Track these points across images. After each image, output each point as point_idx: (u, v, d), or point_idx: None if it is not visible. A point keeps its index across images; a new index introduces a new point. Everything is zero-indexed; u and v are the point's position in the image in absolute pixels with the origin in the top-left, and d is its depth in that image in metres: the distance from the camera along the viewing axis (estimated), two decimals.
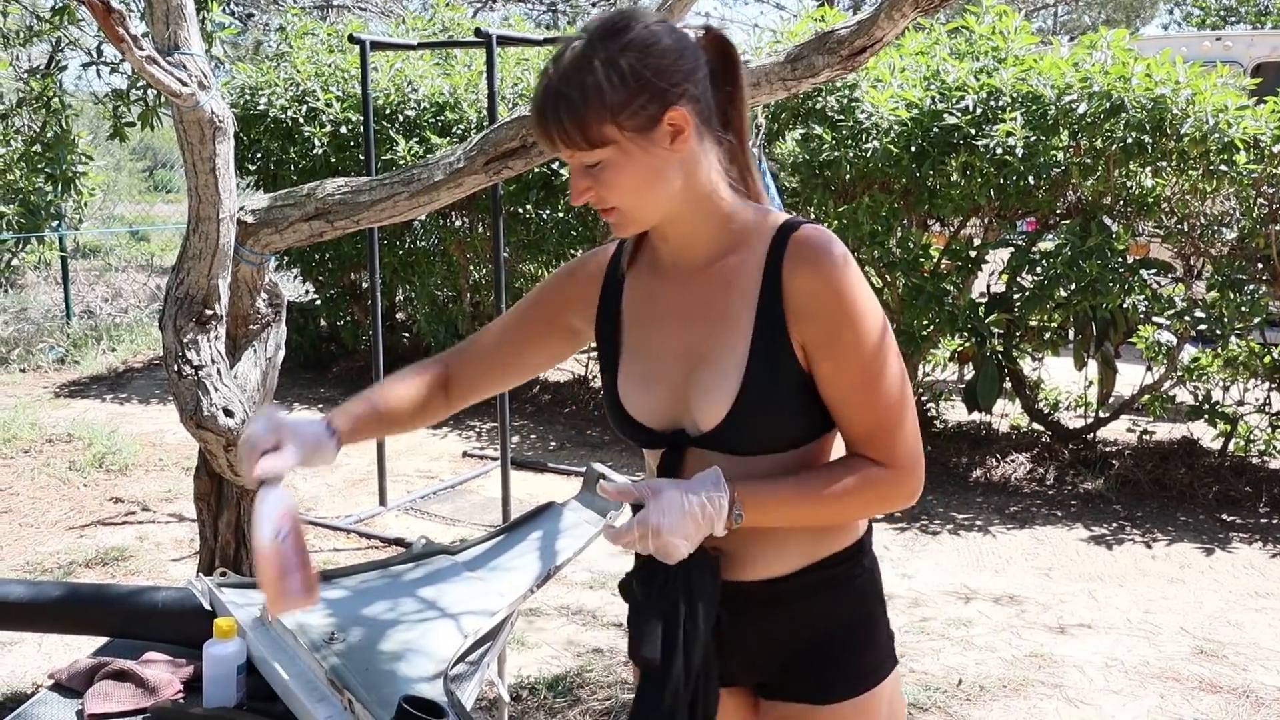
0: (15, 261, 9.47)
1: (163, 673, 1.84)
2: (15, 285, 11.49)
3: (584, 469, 2.54)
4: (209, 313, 2.86)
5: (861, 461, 1.47)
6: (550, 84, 1.41)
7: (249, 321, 3.25)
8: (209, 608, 2.01)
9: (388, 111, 7.34)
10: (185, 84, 2.61)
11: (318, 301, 8.62)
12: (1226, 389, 5.60)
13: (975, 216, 6.01)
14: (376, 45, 5.51)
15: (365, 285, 8.03)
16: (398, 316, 8.65)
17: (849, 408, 1.46)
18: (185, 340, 2.84)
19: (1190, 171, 5.33)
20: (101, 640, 2.02)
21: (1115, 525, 5.09)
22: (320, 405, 7.58)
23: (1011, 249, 5.88)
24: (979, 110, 5.52)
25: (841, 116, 5.90)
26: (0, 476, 5.75)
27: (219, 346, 2.92)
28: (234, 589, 2.07)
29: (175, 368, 2.83)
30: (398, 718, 1.55)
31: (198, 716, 1.73)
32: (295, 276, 8.95)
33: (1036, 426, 6.19)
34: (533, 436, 6.77)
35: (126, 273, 13.28)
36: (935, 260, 5.93)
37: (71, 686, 1.84)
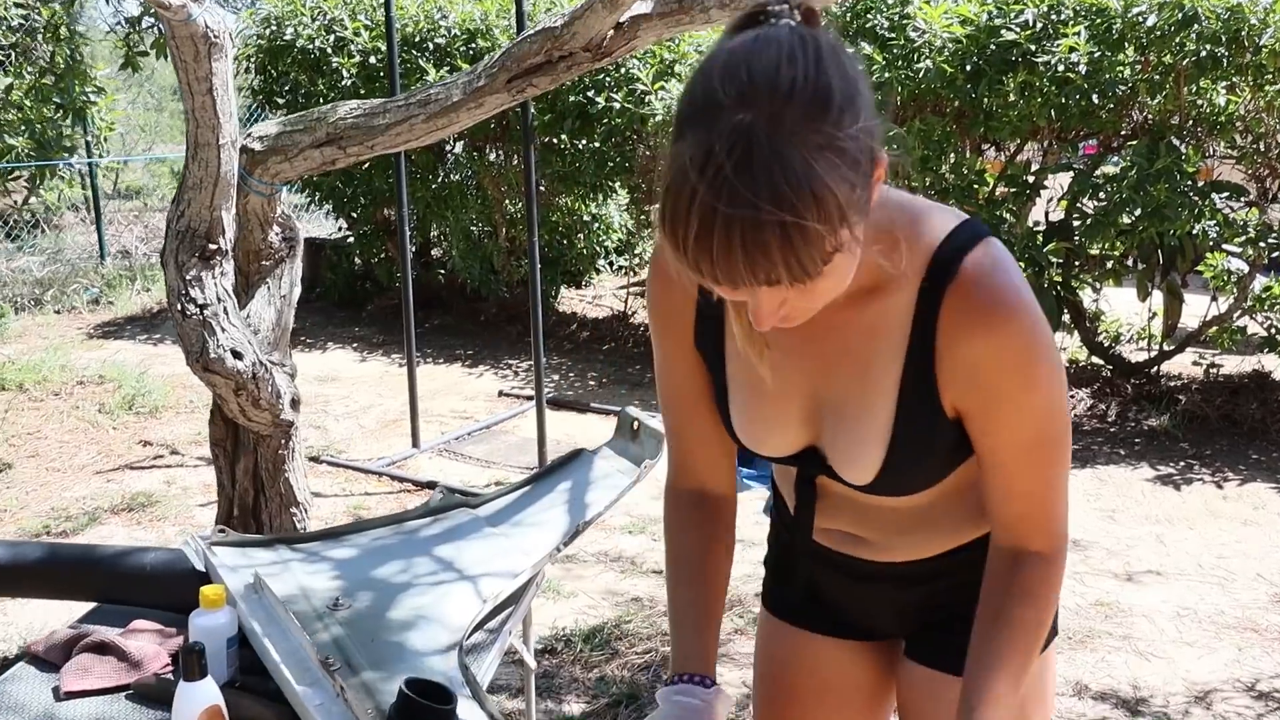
0: (33, 200, 9.31)
1: (148, 644, 1.67)
2: (53, 226, 11.40)
3: (618, 411, 2.33)
4: (213, 247, 2.66)
5: (1021, 572, 1.23)
6: (744, 210, 0.94)
7: (261, 257, 3.04)
8: (202, 569, 1.83)
9: (417, 39, 7.08)
10: None
11: (351, 239, 8.44)
12: None
13: (1033, 139, 5.69)
14: None
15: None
16: (432, 253, 8.45)
17: (1004, 482, 1.22)
18: (188, 277, 2.64)
19: (1268, 87, 4.98)
20: (88, 606, 1.84)
21: (1183, 464, 4.83)
22: (354, 344, 7.43)
23: (1072, 173, 5.56)
24: (1039, 25, 5.19)
25: (892, 35, 5.58)
26: (29, 419, 5.64)
27: (225, 284, 2.72)
28: (232, 548, 1.88)
29: (179, 307, 2.64)
30: (399, 705, 1.36)
31: None
32: (328, 213, 8.77)
33: (1097, 360, 5.90)
34: (571, 375, 6.57)
35: (165, 213, 13.18)
36: (991, 187, 5.62)
37: (49, 659, 1.67)
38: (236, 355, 2.71)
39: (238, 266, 3.05)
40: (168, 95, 22.61)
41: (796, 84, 0.97)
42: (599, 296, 8.50)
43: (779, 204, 0.94)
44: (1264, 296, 5.30)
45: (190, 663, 1.37)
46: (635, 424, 2.21)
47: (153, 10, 4.72)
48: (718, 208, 0.94)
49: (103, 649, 1.64)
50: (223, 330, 2.69)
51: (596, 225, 7.99)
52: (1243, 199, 5.33)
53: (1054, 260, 5.49)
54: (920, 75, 5.37)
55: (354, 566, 1.85)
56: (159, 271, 9.61)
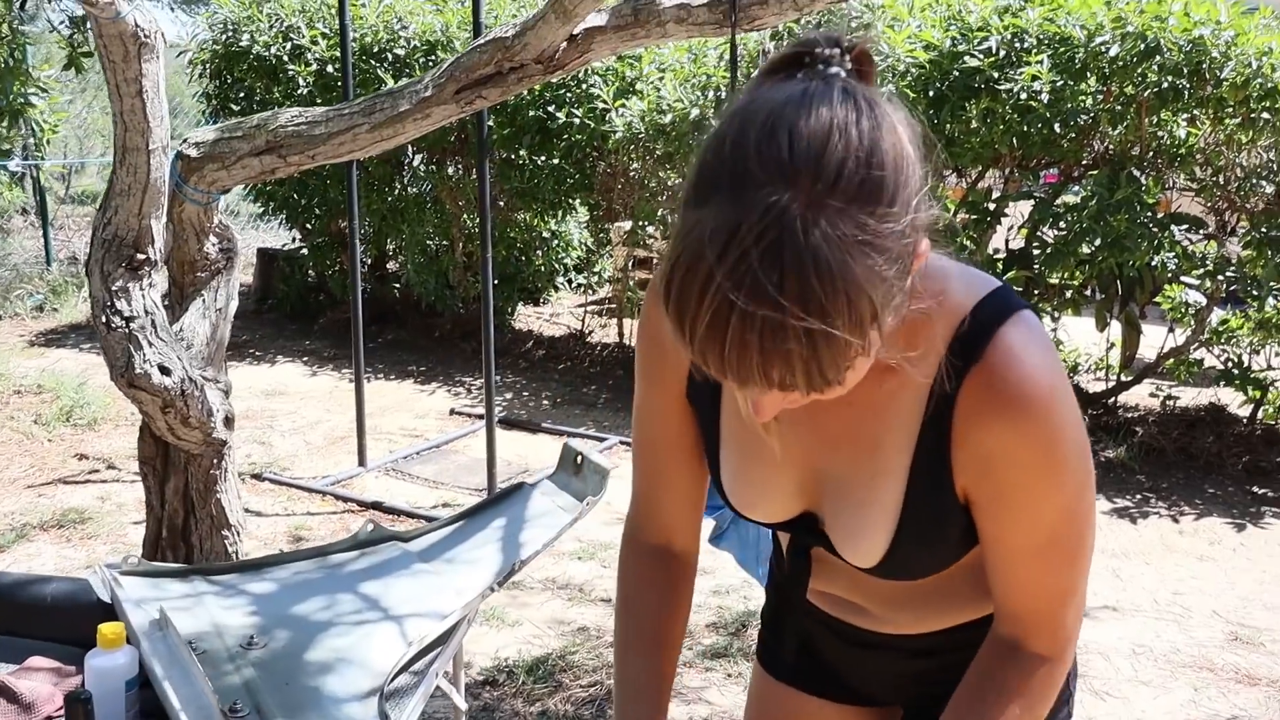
0: None
1: (43, 685, 1.54)
2: (1, 230, 11.16)
3: (573, 431, 2.23)
4: (141, 257, 2.54)
5: (1013, 669, 1.12)
6: (766, 310, 0.82)
7: (196, 268, 2.92)
8: (109, 600, 1.70)
9: (375, 49, 6.97)
10: None
11: (304, 250, 8.29)
12: (1256, 352, 5.27)
13: (995, 167, 5.66)
14: None
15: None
16: (387, 266, 8.32)
17: (1011, 576, 1.11)
18: (114, 288, 2.52)
19: (1228, 120, 4.97)
20: None
21: (1139, 497, 4.79)
22: (305, 358, 7.28)
23: (1033, 202, 5.53)
24: (1002, 52, 5.15)
25: None
26: None
27: (154, 295, 2.60)
28: (142, 578, 1.76)
29: (103, 319, 2.51)
30: None
31: None
32: (281, 224, 8.62)
33: None
34: (525, 394, 6.46)
35: None
36: (952, 213, 5.58)
37: None
38: (164, 371, 2.58)
39: (172, 278, 2.93)
40: None
41: (846, 166, 0.84)
42: (556, 315, 8.40)
43: (808, 308, 0.82)
44: (1221, 330, 5.28)
45: (75, 714, 1.25)
46: (579, 458, 2.10)
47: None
48: (736, 302, 0.82)
49: None
50: (149, 344, 2.56)
51: (555, 242, 7.90)
52: (1201, 232, 5.32)
53: (1013, 288, 5.44)
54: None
55: (272, 602, 1.74)
56: None
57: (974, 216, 5.56)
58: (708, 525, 2.95)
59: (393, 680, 1.58)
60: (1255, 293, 4.93)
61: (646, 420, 1.27)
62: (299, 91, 7.06)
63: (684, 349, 0.88)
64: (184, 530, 3.06)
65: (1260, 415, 5.33)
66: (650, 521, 1.32)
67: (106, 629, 1.48)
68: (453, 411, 6.07)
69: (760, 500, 1.20)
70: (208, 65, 7.65)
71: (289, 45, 7.20)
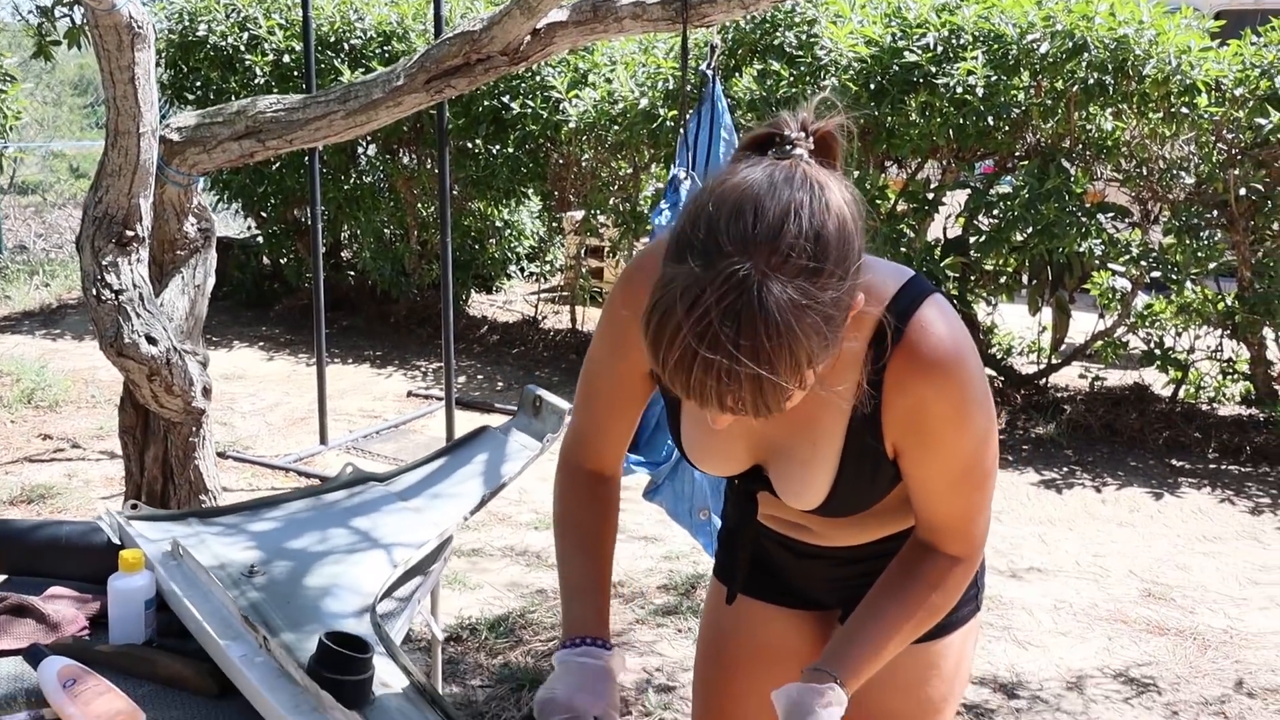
0: None
1: (66, 609, 1.71)
2: None
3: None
4: (130, 234, 2.70)
5: (929, 564, 1.37)
6: (723, 359, 1.03)
7: (176, 247, 3.08)
8: (118, 542, 1.87)
9: (332, 40, 7.10)
10: None
11: (260, 238, 8.38)
12: (1179, 335, 5.57)
13: (933, 158, 5.91)
14: None
15: (309, 221, 7.83)
16: (342, 254, 8.44)
17: (930, 502, 1.36)
18: (104, 263, 2.67)
19: (1151, 114, 5.26)
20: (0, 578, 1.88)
21: (1066, 470, 5.07)
22: (261, 344, 7.39)
23: (969, 191, 5.79)
24: (940, 48, 5.40)
25: (800, 53, 5.76)
26: None
27: (141, 271, 2.76)
28: (146, 521, 1.94)
29: (94, 291, 2.67)
30: (319, 655, 1.44)
31: (103, 654, 1.61)
32: (237, 212, 8.70)
33: (990, 371, 6.14)
34: (479, 377, 6.63)
35: (65, 209, 12.90)
36: (892, 203, 5.83)
37: None
38: (151, 341, 2.74)
39: (152, 256, 3.08)
40: (68, 90, 22.04)
41: (797, 245, 1.05)
42: (510, 302, 8.57)
43: (757, 360, 1.03)
44: (1145, 314, 5.57)
45: None
46: (538, 400, 2.31)
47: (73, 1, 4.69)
48: (699, 352, 1.04)
49: (21, 611, 1.68)
50: (137, 316, 2.72)
51: (509, 231, 8.07)
52: (1127, 220, 5.61)
53: (950, 275, 5.71)
54: (839, 107, 5.55)
55: (268, 538, 1.92)
56: (58, 267, 9.44)
57: (914, 206, 5.81)
58: (644, 480, 3.18)
59: (380, 601, 1.77)
60: (1176, 278, 5.23)
61: (603, 379, 1.49)
62: (255, 81, 7.17)
63: (657, 370, 1.10)
64: (163, 496, 3.21)
65: (1180, 394, 5.63)
66: (587, 452, 1.53)
67: (127, 554, 1.65)
68: (410, 394, 6.23)
69: (715, 460, 1.44)
70: (163, 55, 7.71)
71: (246, 35, 7.30)
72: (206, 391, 3.11)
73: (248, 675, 1.45)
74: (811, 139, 1.16)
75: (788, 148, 1.14)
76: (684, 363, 1.05)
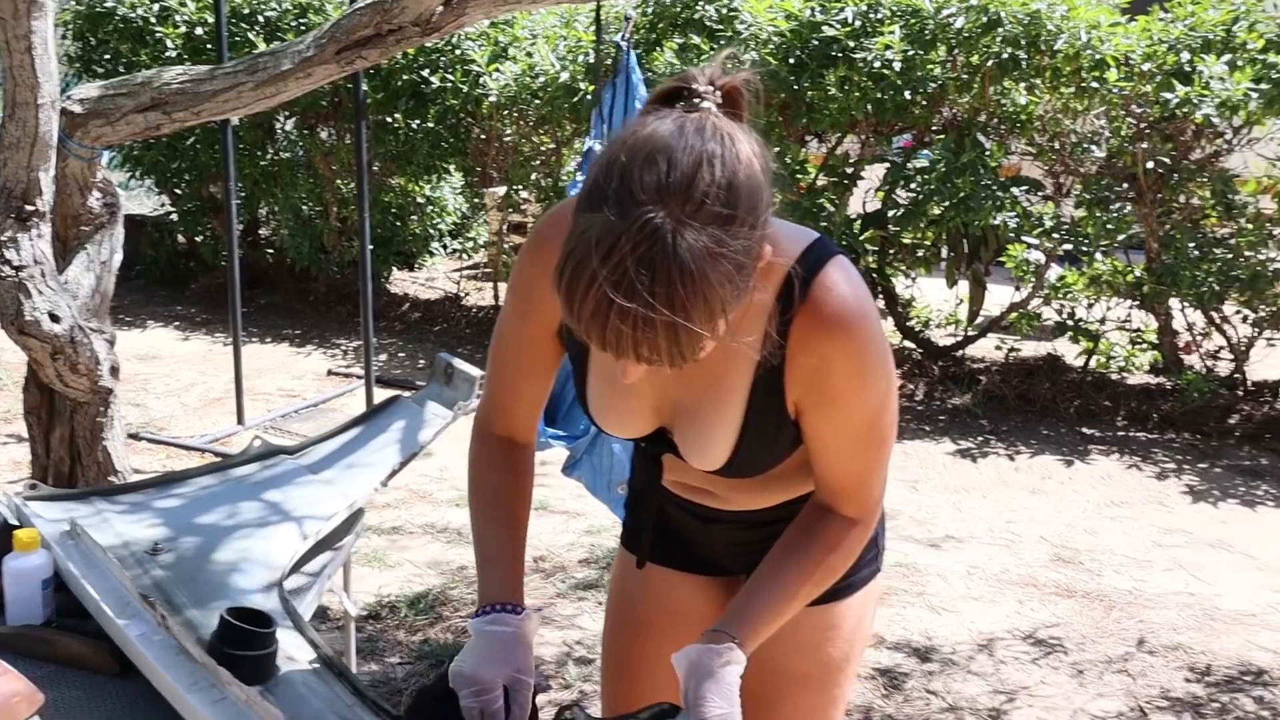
0: None
1: None
2: None
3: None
4: (30, 209, 2.63)
5: (827, 525, 1.38)
6: (638, 306, 1.03)
7: (80, 222, 3.00)
8: (15, 522, 1.83)
9: (246, 12, 6.95)
10: None
11: (174, 215, 8.21)
12: (1090, 306, 5.70)
13: (853, 132, 5.96)
14: None
15: (224, 197, 7.69)
16: (260, 231, 8.30)
17: (829, 462, 1.37)
18: (4, 238, 2.60)
19: (1063, 89, 5.36)
20: None
21: (980, 439, 5.16)
22: (176, 323, 7.25)
23: (888, 165, 5.86)
24: (858, 22, 5.45)
25: (720, 27, 5.77)
26: None
27: (43, 246, 2.69)
28: (46, 501, 1.90)
29: None
30: (220, 630, 1.42)
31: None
32: (150, 189, 8.51)
33: (908, 344, 6.24)
34: (401, 355, 6.58)
35: None
36: (813, 177, 5.88)
37: None
38: (54, 318, 2.68)
39: (55, 232, 3.00)
40: None
41: (710, 193, 1.06)
42: (431, 279, 8.50)
43: (671, 307, 1.04)
44: (1058, 286, 5.69)
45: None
46: (449, 368, 2.31)
47: None
48: (615, 300, 1.03)
49: None
50: (39, 293, 2.65)
51: (430, 208, 7.99)
52: (1040, 193, 5.72)
53: (870, 248, 5.78)
54: (746, 67, 5.57)
55: (173, 515, 1.89)
56: None
57: (834, 180, 5.86)
58: (562, 455, 3.18)
59: (289, 575, 1.75)
60: (1087, 250, 5.34)
61: (513, 343, 1.48)
62: (167, 54, 7.01)
63: (570, 322, 1.10)
64: (70, 478, 3.14)
65: (1092, 364, 5.77)
66: (501, 418, 1.53)
67: (22, 534, 1.62)
68: (330, 372, 6.16)
69: (621, 420, 1.44)
70: (69, 26, 7.50)
71: (157, 7, 7.13)
72: (114, 370, 3.04)
73: (146, 654, 1.43)
74: (719, 93, 1.17)
75: (696, 100, 1.15)
76: (599, 312, 1.05)
